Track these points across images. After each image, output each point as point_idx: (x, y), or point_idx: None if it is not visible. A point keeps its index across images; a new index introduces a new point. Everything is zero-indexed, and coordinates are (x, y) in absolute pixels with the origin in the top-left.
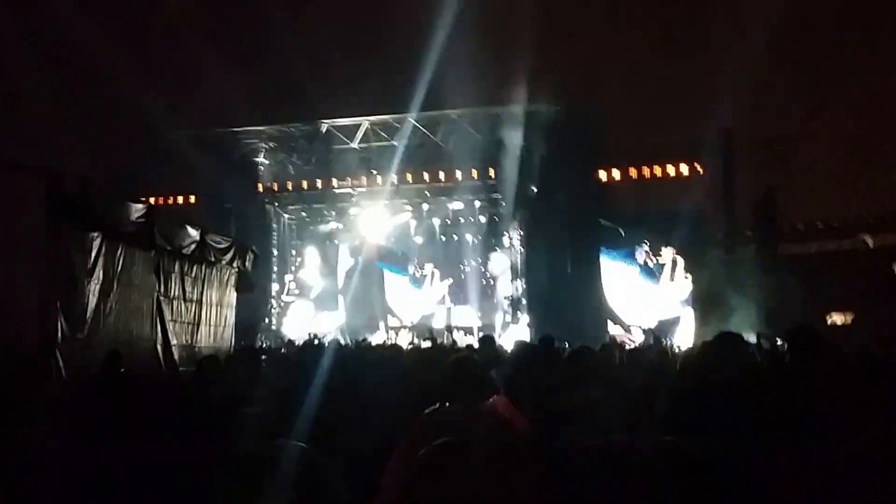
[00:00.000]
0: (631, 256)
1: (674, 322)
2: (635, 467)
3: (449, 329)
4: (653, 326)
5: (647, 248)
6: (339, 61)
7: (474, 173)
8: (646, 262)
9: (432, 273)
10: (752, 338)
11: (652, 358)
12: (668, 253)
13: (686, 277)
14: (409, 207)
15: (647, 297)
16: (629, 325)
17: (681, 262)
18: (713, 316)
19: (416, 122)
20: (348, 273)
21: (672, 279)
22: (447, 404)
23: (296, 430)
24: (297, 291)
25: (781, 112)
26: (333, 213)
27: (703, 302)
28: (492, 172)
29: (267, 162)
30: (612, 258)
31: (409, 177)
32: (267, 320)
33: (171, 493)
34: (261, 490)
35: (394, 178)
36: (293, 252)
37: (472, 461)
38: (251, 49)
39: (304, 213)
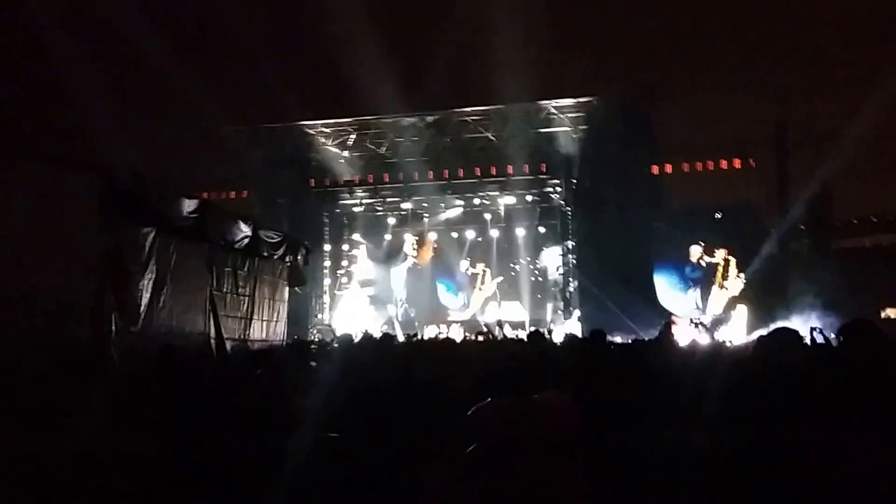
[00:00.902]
0: (684, 264)
1: (725, 319)
2: (688, 462)
3: (500, 324)
4: (706, 323)
5: (701, 247)
6: (393, 57)
7: (526, 168)
8: (699, 261)
9: (483, 272)
10: (806, 332)
11: (705, 353)
12: (720, 252)
13: (738, 276)
14: (461, 202)
15: (700, 295)
16: (682, 321)
17: (733, 261)
18: (767, 311)
19: (469, 117)
20: (401, 268)
21: (725, 277)
22: (500, 399)
23: (345, 422)
24: (349, 286)
25: (834, 106)
26: (385, 207)
27: (757, 297)
28: (544, 167)
29: (319, 157)
30: (665, 268)
31: (461, 171)
32: (319, 315)
33: (222, 483)
34: (308, 482)
35: (446, 173)
36: (345, 247)
37: (522, 455)
38: (304, 45)
39: (356, 209)
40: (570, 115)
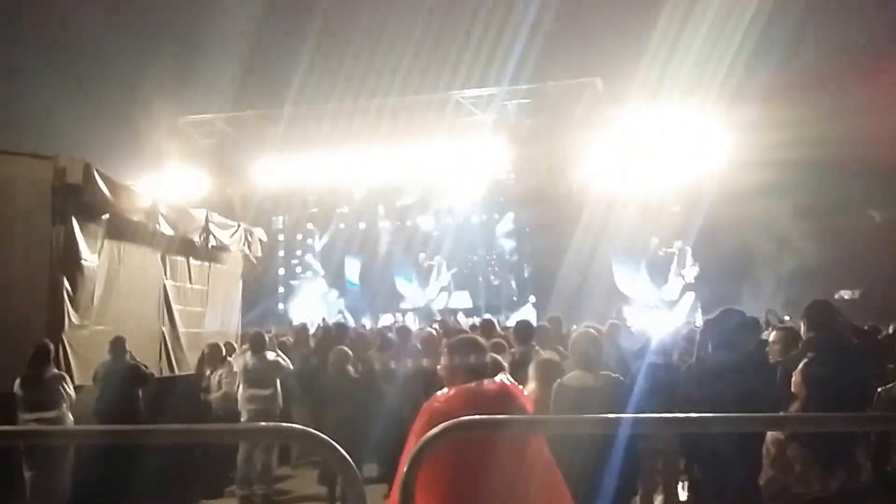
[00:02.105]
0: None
1: (677, 303)
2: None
3: (453, 311)
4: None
5: (657, 240)
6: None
7: (483, 154)
8: (657, 253)
9: (440, 263)
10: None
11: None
12: (677, 244)
13: (693, 265)
14: (415, 189)
15: (657, 282)
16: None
17: (688, 251)
18: (725, 294)
19: (419, 103)
20: (355, 257)
21: (682, 266)
22: (459, 387)
23: (301, 411)
24: (304, 275)
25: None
26: (340, 196)
27: (720, 282)
28: (501, 152)
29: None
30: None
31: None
32: (275, 304)
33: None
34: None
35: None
36: (299, 236)
37: (478, 437)
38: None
39: (310, 197)
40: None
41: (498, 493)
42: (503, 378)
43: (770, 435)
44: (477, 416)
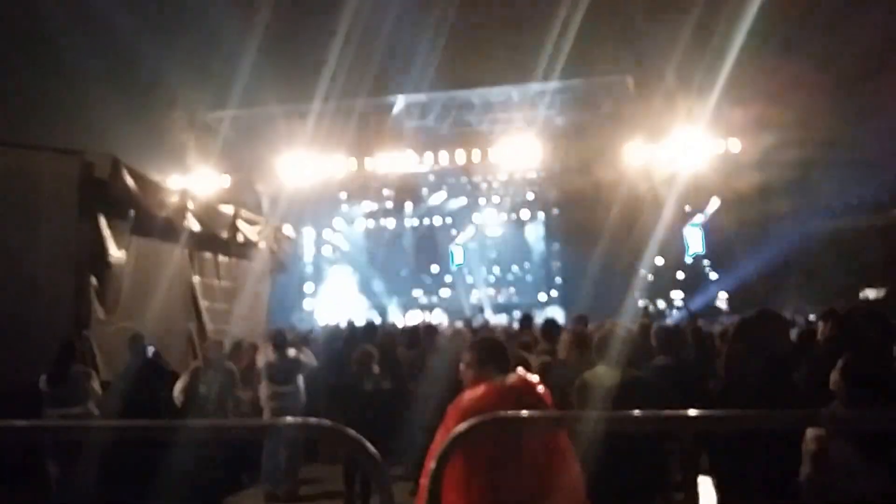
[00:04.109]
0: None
1: None
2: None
3: (480, 309)
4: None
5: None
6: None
7: (513, 152)
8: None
9: (469, 261)
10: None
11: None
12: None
13: None
14: (445, 188)
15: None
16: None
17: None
18: (754, 292)
19: (450, 102)
20: (383, 254)
21: None
22: (487, 384)
23: (324, 405)
24: (331, 272)
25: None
26: (370, 194)
27: (744, 280)
28: (531, 150)
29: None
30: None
31: (439, 157)
32: (302, 302)
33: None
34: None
35: (430, 156)
36: (327, 233)
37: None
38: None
39: (339, 195)
40: (551, 99)
41: (516, 485)
42: (520, 374)
43: (810, 432)
44: (509, 413)
